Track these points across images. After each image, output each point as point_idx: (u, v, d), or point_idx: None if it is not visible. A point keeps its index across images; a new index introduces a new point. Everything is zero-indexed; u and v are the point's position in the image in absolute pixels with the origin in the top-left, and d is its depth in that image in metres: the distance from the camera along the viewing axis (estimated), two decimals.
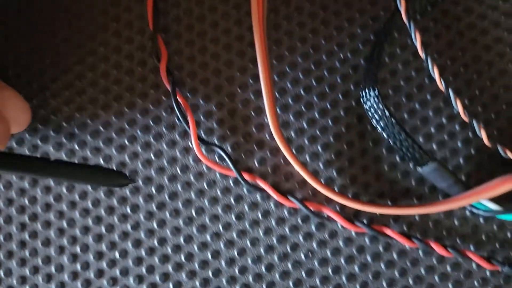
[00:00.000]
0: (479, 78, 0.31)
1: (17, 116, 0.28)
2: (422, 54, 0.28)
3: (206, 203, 0.30)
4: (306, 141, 0.31)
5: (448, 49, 0.31)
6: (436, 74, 0.28)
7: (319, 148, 0.31)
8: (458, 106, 0.28)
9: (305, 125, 0.31)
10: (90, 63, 0.31)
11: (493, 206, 0.30)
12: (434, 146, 0.31)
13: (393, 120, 0.28)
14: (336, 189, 0.30)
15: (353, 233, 0.30)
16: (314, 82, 0.31)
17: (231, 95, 0.31)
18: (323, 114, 0.31)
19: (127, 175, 0.26)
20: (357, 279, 0.30)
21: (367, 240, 0.30)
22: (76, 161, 0.30)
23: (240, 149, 0.31)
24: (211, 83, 0.31)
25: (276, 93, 0.31)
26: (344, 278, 0.30)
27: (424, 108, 0.31)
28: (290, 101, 0.31)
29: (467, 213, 0.30)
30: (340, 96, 0.31)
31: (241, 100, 0.31)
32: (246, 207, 0.30)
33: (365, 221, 0.30)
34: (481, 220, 0.30)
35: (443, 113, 0.31)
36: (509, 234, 0.30)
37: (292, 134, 0.31)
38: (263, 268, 0.30)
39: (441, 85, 0.28)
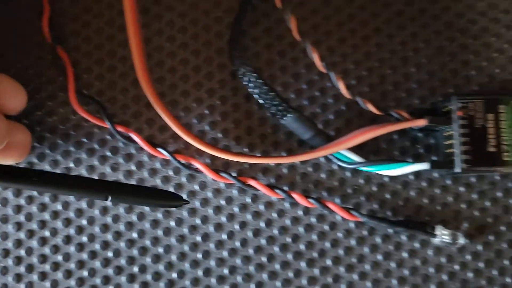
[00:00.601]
0: (352, 36, 0.32)
1: (13, 96, 0.29)
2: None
3: (84, 154, 0.31)
4: (179, 96, 0.32)
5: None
6: (292, 26, 0.29)
7: (193, 102, 0.32)
8: (315, 58, 0.29)
9: (179, 80, 0.32)
10: None
11: (357, 158, 0.30)
12: (305, 102, 0.32)
13: (254, 74, 0.29)
14: (208, 142, 0.31)
15: (223, 185, 0.31)
16: (189, 39, 0.32)
17: (111, 53, 0.32)
18: (197, 70, 0.32)
19: (182, 197, 0.28)
20: (223, 228, 0.31)
21: (235, 192, 0.31)
22: None
23: (117, 103, 0.32)
24: (93, 41, 0.32)
25: (152, 51, 0.32)
26: (211, 228, 0.31)
27: (296, 65, 0.32)
28: (165, 57, 0.32)
29: (335, 166, 0.31)
30: (214, 54, 0.32)
31: (119, 57, 0.32)
32: (121, 159, 0.31)
33: (234, 174, 0.31)
34: (348, 173, 0.31)
35: (314, 70, 0.31)
36: (374, 188, 0.31)
37: (166, 89, 0.32)
38: (134, 218, 0.31)
39: (297, 36, 0.29)
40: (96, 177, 0.31)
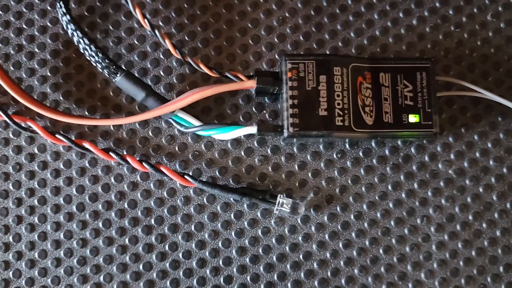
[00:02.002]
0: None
1: None
2: None
3: None
4: (23, 57, 0.31)
5: None
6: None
7: (36, 64, 0.31)
8: (138, 15, 0.28)
9: (23, 41, 0.31)
10: None
11: (196, 122, 0.29)
12: (149, 65, 0.31)
13: (79, 33, 0.29)
14: (48, 104, 0.31)
15: (62, 148, 0.30)
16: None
17: None
18: (42, 31, 0.31)
19: None
20: (61, 193, 0.30)
21: (73, 155, 0.30)
22: None
23: None
24: None
25: None
26: (48, 191, 0.30)
27: (142, 27, 0.31)
28: (11, 17, 0.31)
29: (175, 131, 0.30)
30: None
31: None
32: None
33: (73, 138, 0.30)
34: (190, 139, 0.30)
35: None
36: (216, 154, 0.30)
37: (11, 50, 0.31)
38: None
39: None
40: None
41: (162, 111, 0.29)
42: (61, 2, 0.29)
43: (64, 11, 0.29)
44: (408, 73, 0.28)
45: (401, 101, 0.28)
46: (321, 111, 0.27)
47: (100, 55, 0.29)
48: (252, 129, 0.28)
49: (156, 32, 0.28)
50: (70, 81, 0.31)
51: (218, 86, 0.28)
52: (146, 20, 0.28)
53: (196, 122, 0.29)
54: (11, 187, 0.30)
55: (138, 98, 0.29)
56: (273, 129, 0.28)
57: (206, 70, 0.29)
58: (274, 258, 0.30)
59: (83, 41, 0.29)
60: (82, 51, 0.29)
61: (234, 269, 0.30)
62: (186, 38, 0.31)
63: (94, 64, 0.29)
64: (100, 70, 0.29)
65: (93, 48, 0.29)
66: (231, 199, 0.30)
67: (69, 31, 0.29)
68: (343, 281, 0.30)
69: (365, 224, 0.30)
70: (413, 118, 0.28)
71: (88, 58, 0.29)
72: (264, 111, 0.30)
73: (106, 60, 0.29)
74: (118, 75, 0.29)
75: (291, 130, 0.27)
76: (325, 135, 0.27)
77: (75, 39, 0.29)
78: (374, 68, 0.28)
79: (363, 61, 0.28)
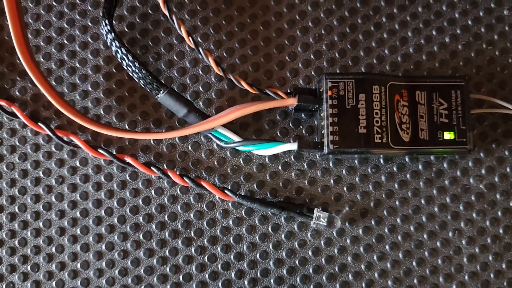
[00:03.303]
0: (240, 15, 0.32)
1: None
2: None
3: None
4: (65, 72, 0.32)
5: None
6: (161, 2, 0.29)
7: (77, 79, 0.32)
8: (183, 33, 0.29)
9: (65, 56, 0.32)
10: None
11: (235, 137, 0.30)
12: (188, 80, 0.31)
13: (123, 50, 0.29)
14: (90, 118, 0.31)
15: (103, 161, 0.31)
16: (77, 15, 0.32)
17: None
18: (83, 47, 0.32)
19: None
20: (103, 205, 0.31)
21: (115, 169, 0.31)
22: None
23: (4, 79, 0.32)
24: None
25: (40, 24, 0.32)
26: (90, 204, 0.31)
27: (182, 43, 0.32)
28: (53, 33, 0.32)
29: (215, 146, 0.31)
30: (100, 30, 0.32)
31: (7, 32, 0.32)
32: (5, 134, 0.32)
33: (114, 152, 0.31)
34: (228, 154, 0.31)
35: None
36: (254, 168, 0.31)
37: (53, 65, 0.32)
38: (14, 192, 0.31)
39: (164, 9, 0.29)
40: None
41: (203, 127, 0.29)
42: (106, 21, 0.29)
43: (109, 29, 0.29)
44: (443, 91, 0.29)
45: (436, 118, 0.29)
46: (360, 128, 0.28)
47: (143, 71, 0.29)
48: (293, 146, 0.29)
49: (200, 49, 0.28)
50: (111, 96, 0.32)
51: (259, 104, 0.29)
52: (190, 38, 0.28)
53: (235, 138, 0.30)
54: (54, 200, 0.31)
55: (179, 114, 0.30)
56: (314, 146, 0.29)
57: (246, 87, 0.29)
58: (311, 270, 0.30)
59: (127, 58, 0.29)
60: (125, 68, 0.30)
61: (272, 280, 0.30)
62: (225, 55, 0.32)
63: (137, 81, 0.30)
64: (143, 86, 0.30)
65: (137, 65, 0.29)
66: (269, 212, 0.30)
67: (113, 48, 0.30)
68: None
69: (399, 237, 0.31)
70: (448, 135, 0.29)
71: (131, 74, 0.30)
72: (301, 127, 0.31)
73: (149, 77, 0.29)
74: (161, 92, 0.29)
75: (331, 147, 0.28)
76: (363, 152, 0.28)
77: (119, 55, 0.30)
78: (411, 86, 0.29)
79: (400, 80, 0.29)
